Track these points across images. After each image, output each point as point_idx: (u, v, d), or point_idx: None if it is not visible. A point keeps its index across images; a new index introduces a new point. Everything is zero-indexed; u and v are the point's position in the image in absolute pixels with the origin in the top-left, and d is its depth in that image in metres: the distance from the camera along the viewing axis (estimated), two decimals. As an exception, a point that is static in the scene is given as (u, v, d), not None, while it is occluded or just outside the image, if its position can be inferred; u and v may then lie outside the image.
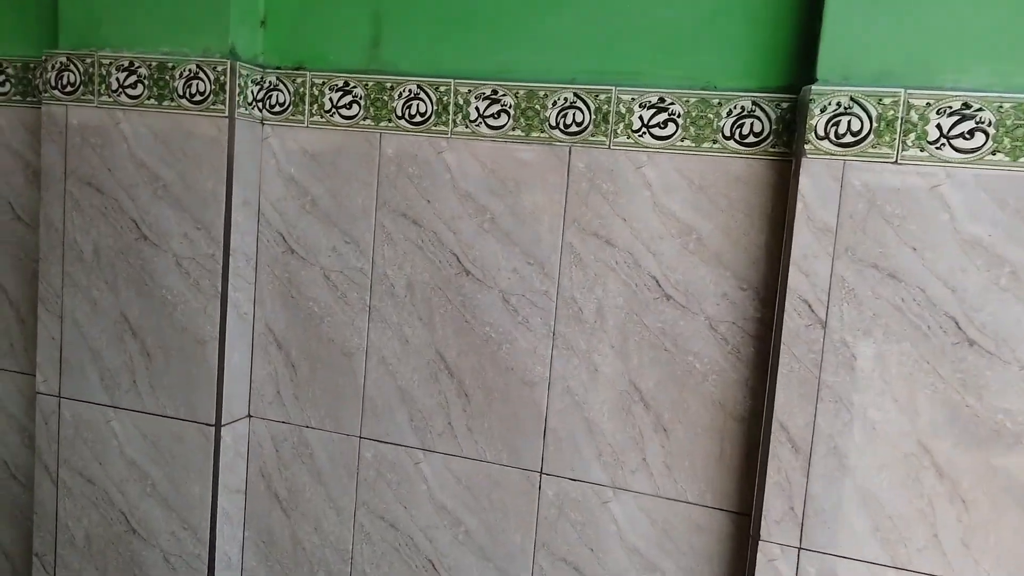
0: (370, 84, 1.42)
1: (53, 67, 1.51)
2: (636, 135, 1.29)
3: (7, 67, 1.68)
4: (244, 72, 1.44)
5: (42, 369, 1.56)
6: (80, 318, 1.52)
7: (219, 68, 1.41)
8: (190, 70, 1.43)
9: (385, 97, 1.42)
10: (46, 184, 1.53)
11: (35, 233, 1.63)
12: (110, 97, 1.48)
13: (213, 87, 1.41)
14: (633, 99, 1.29)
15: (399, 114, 1.41)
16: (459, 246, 1.38)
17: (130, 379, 1.49)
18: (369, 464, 1.46)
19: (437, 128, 1.39)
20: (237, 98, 1.42)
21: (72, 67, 1.50)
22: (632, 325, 1.30)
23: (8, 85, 1.68)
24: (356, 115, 1.44)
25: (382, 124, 1.42)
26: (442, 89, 1.38)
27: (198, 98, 1.43)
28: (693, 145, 1.26)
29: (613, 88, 1.30)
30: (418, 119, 1.40)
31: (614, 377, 1.31)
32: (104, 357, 1.51)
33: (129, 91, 1.47)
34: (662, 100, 1.27)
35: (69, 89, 1.51)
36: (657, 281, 1.28)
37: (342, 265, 1.45)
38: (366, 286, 1.44)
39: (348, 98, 1.44)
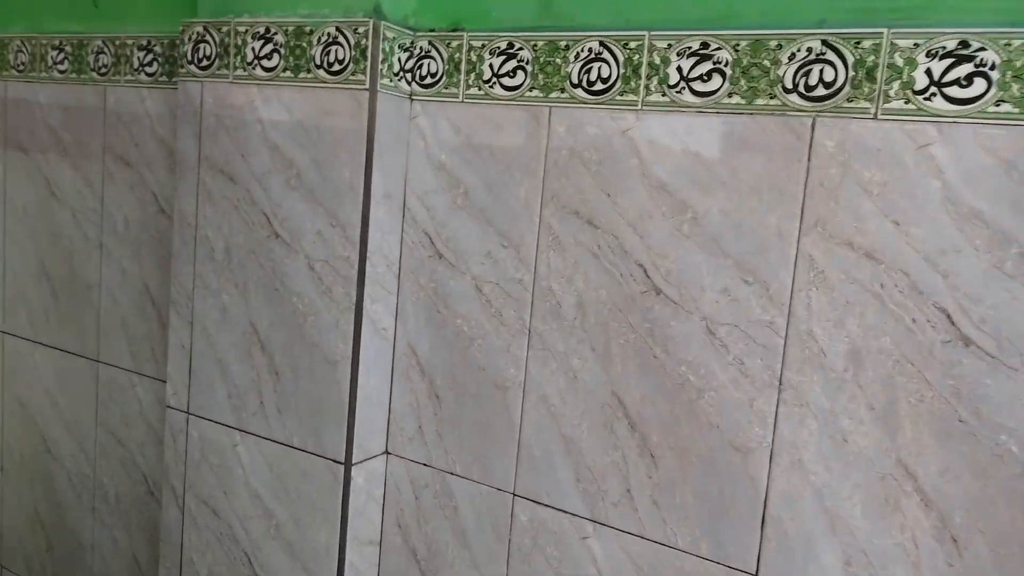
0: (540, 45, 1.11)
1: (189, 39, 1.34)
2: (919, 98, 0.87)
3: (154, 45, 1.54)
4: (390, 35, 1.17)
5: (172, 380, 1.40)
6: (209, 326, 1.34)
7: (360, 30, 1.15)
8: (328, 34, 1.18)
9: (558, 60, 1.09)
10: (180, 172, 1.36)
11: (175, 227, 1.48)
12: (245, 71, 1.27)
13: (353, 54, 1.16)
14: (916, 45, 0.87)
15: (575, 81, 1.08)
16: (648, 255, 1.03)
17: (257, 400, 1.29)
18: (524, 529, 1.15)
19: (624, 98, 1.05)
20: (380, 67, 1.16)
21: (208, 38, 1.31)
22: (902, 377, 0.88)
23: (155, 65, 1.54)
24: (521, 85, 1.12)
25: (552, 95, 1.10)
26: (632, 46, 1.04)
27: (336, 68, 1.18)
28: (1017, 112, 0.83)
29: (885, 31, 0.89)
30: (599, 87, 1.06)
31: (875, 454, 0.91)
32: (232, 372, 1.31)
33: (264, 63, 1.25)
34: (964, 45, 0.85)
35: (205, 63, 1.32)
36: (949, 316, 0.86)
37: (497, 275, 1.15)
38: (526, 302, 1.13)
39: (512, 64, 1.13)
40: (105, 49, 1.61)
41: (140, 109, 1.56)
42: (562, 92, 1.09)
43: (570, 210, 1.09)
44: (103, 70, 1.62)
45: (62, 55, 1.68)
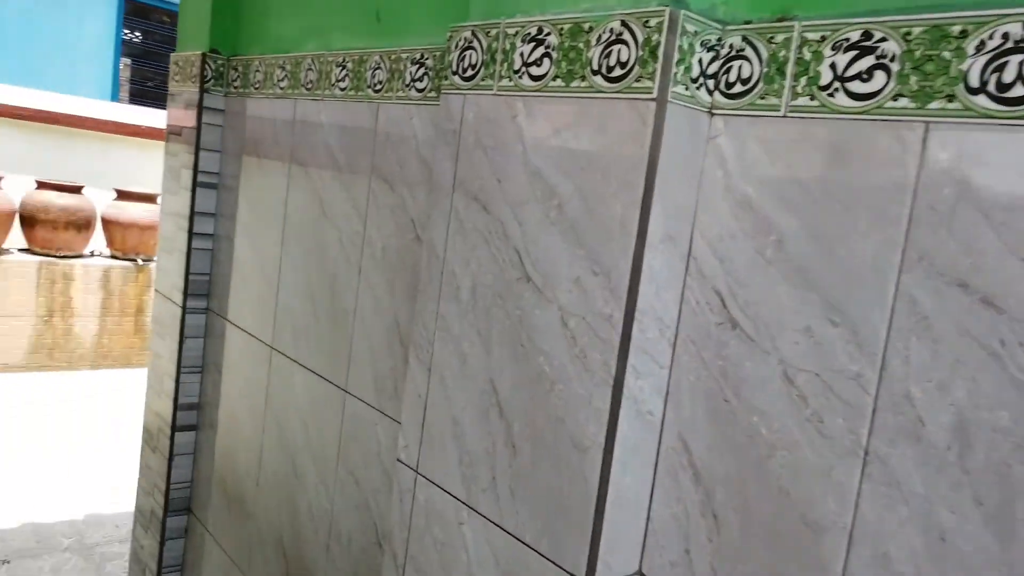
0: (915, 32, 0.75)
1: (456, 46, 1.17)
2: None
3: (427, 58, 1.41)
4: (691, 29, 0.88)
5: (405, 431, 1.23)
6: (448, 376, 1.14)
7: (652, 23, 0.88)
8: (611, 30, 0.93)
9: (946, 53, 0.72)
10: (434, 198, 1.19)
11: (427, 257, 1.32)
12: (511, 80, 1.07)
13: (640, 54, 0.89)
14: None
15: (973, 84, 0.70)
16: (1103, 367, 0.62)
17: (489, 474, 1.06)
18: None
19: (1062, 109, 0.65)
20: (674, 69, 0.88)
21: (476, 43, 1.13)
22: None
23: (425, 79, 1.41)
24: (880, 91, 0.77)
25: (932, 105, 0.73)
26: (1085, 26, 0.64)
27: (617, 72, 0.92)
28: None
29: None
30: (1020, 91, 0.68)
31: None
32: (466, 435, 1.11)
33: (533, 70, 1.03)
34: None
35: (469, 73, 1.14)
36: None
37: (820, 363, 0.80)
38: (863, 410, 0.77)
39: (867, 61, 0.78)
40: (382, 64, 1.52)
41: (407, 127, 1.44)
42: (949, 101, 0.72)
43: (951, 279, 0.71)
44: (378, 86, 1.53)
45: (344, 72, 1.63)
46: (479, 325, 1.09)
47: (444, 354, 1.15)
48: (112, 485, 3.60)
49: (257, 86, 1.98)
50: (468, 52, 1.14)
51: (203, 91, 2.10)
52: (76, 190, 5.20)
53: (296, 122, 1.80)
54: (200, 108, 2.10)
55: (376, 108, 1.53)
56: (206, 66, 2.09)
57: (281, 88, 1.86)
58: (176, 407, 2.15)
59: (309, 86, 1.75)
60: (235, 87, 2.09)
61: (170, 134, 2.27)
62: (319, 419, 1.65)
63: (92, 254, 5.45)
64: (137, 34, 10.49)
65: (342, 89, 1.64)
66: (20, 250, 5.16)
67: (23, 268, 4.99)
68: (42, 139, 5.52)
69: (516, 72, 1.06)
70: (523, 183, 1.03)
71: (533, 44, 1.03)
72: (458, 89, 1.16)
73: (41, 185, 5.11)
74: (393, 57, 1.49)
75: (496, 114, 1.08)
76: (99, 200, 5.37)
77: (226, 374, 2.08)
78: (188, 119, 2.15)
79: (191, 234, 2.12)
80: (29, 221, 5.04)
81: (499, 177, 1.07)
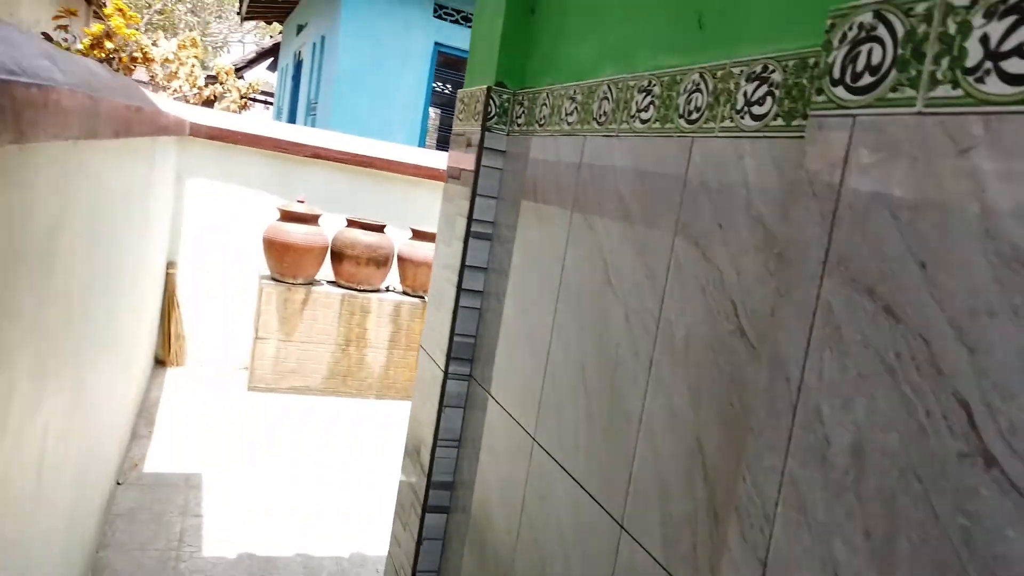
0: None
1: (841, 40, 0.72)
2: None
3: (771, 71, 0.97)
4: None
5: (713, 647, 0.78)
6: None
7: None
8: None
9: None
10: (788, 278, 0.74)
11: (760, 365, 0.86)
12: (955, 85, 0.59)
13: None
14: None
15: None
16: None
17: None
18: None
19: None
20: None
21: (881, 31, 0.67)
22: None
23: (768, 101, 0.97)
24: None
25: None
26: None
27: None
28: None
29: None
30: None
31: None
32: None
33: (1012, 64, 0.55)
34: None
35: (866, 81, 0.68)
36: None
37: None
38: None
39: None
40: (702, 85, 1.11)
41: (734, 170, 1.01)
42: None
43: None
44: (693, 115, 1.12)
45: (648, 98, 1.25)
46: (869, 519, 0.61)
47: (794, 549, 0.68)
48: (381, 526, 3.54)
49: (542, 122, 1.67)
50: (864, 47, 0.69)
51: (484, 129, 1.85)
52: (379, 228, 5.47)
53: (583, 164, 1.45)
54: (480, 148, 1.86)
55: (689, 144, 1.12)
56: (490, 101, 1.84)
57: (569, 123, 1.53)
58: (429, 484, 1.90)
59: (602, 119, 1.40)
60: (518, 124, 1.81)
61: (449, 177, 2.07)
62: (584, 552, 1.26)
63: (387, 289, 5.70)
64: (448, 86, 11.30)
65: (643, 121, 1.25)
66: (328, 282, 5.55)
67: (329, 299, 5.34)
68: (359, 181, 5.94)
69: (969, 71, 0.58)
70: (982, 271, 0.55)
71: (1018, 15, 0.55)
72: (842, 107, 0.70)
73: (350, 223, 5.46)
74: (719, 74, 1.07)
75: (923, 147, 0.61)
76: (397, 239, 5.62)
77: (484, 457, 1.78)
78: (467, 161, 1.92)
79: (459, 290, 1.87)
80: (337, 256, 5.39)
81: (924, 260, 0.60)
